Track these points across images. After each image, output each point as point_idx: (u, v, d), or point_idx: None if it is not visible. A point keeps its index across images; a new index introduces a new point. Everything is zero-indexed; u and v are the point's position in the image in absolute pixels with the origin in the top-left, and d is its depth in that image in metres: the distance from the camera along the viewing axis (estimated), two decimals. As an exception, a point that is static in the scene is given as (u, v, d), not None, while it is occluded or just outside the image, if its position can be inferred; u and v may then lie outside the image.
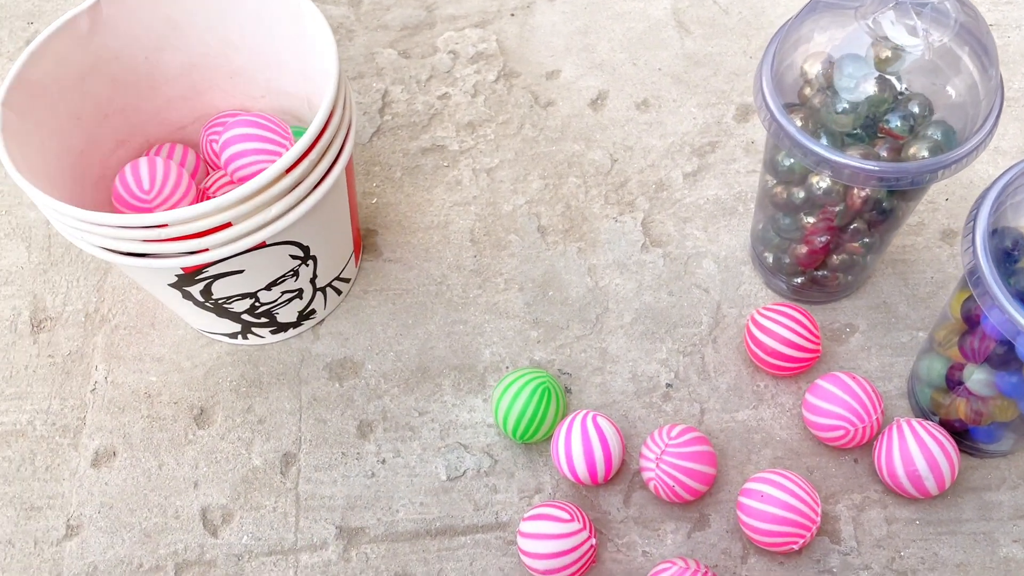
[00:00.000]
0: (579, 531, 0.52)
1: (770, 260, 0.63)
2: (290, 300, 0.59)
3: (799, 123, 0.51)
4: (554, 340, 0.63)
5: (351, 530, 0.57)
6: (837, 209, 0.54)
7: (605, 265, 0.67)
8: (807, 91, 0.52)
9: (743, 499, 0.54)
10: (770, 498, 0.52)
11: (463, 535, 0.57)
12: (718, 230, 0.67)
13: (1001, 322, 0.43)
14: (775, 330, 0.58)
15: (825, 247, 0.58)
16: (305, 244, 0.55)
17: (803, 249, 0.58)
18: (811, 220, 0.56)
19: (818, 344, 0.59)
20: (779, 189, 0.56)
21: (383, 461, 0.59)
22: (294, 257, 0.55)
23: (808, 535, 0.52)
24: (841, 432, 0.55)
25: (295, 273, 0.57)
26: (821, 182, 0.52)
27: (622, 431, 0.59)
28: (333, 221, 0.57)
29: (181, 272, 0.52)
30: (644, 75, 0.76)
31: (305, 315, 0.62)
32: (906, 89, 0.52)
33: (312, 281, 0.59)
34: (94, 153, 0.60)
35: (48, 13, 0.84)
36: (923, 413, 0.58)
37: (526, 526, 0.53)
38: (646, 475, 0.55)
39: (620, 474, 0.58)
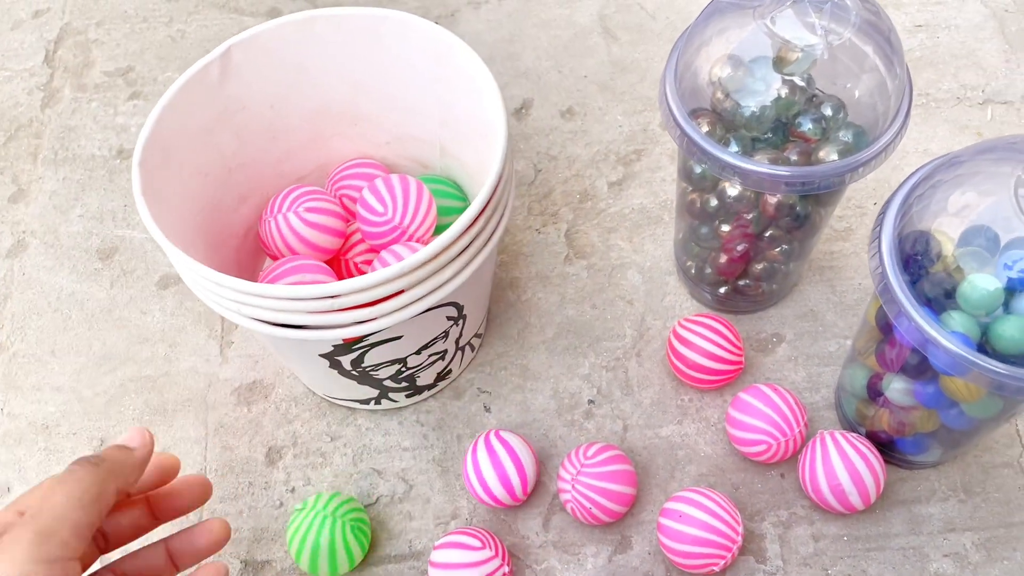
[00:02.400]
0: (491, 559, 0.50)
1: (693, 270, 0.61)
2: (434, 362, 0.55)
3: (707, 129, 0.49)
4: (474, 358, 0.61)
5: (257, 564, 0.54)
6: (751, 216, 0.52)
7: (527, 278, 0.64)
8: (717, 95, 0.50)
9: (662, 520, 0.51)
10: (688, 518, 0.50)
11: (375, 566, 0.54)
12: (643, 240, 0.66)
13: (909, 330, 0.41)
14: (696, 342, 0.56)
15: (744, 255, 0.56)
16: (461, 304, 0.52)
17: (723, 258, 0.57)
18: (727, 228, 0.54)
19: (740, 355, 0.57)
20: (694, 196, 0.54)
21: (292, 490, 0.57)
22: (449, 318, 0.52)
23: (729, 555, 0.50)
24: (763, 447, 0.53)
25: (446, 335, 0.53)
26: (731, 189, 0.51)
27: (542, 451, 0.57)
28: (486, 276, 0.54)
29: (340, 342, 0.48)
30: (569, 83, 0.74)
31: (443, 376, 0.58)
32: (819, 91, 0.50)
33: (456, 341, 0.55)
34: (219, 212, 0.55)
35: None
36: (850, 424, 0.56)
37: (437, 555, 0.50)
38: (563, 497, 0.53)
39: (538, 496, 0.56)
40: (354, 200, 0.58)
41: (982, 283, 0.41)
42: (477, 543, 0.50)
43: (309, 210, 0.54)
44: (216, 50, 0.51)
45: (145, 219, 0.45)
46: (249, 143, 0.56)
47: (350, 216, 0.59)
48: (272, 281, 0.49)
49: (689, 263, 0.61)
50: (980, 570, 0.52)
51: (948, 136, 0.69)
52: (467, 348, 0.58)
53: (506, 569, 0.51)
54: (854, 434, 0.52)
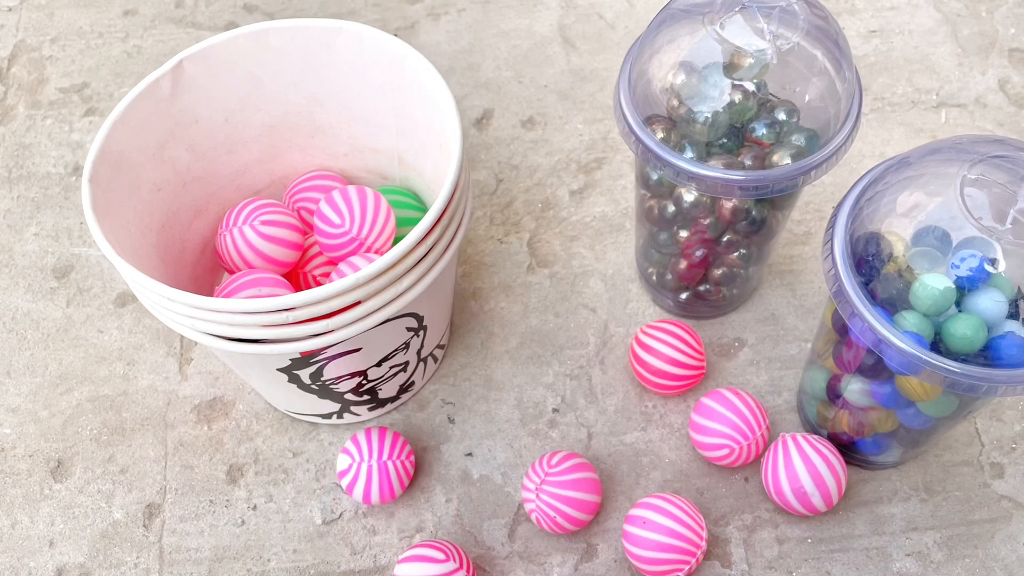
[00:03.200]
0: (455, 571, 0.50)
1: (654, 276, 0.61)
2: (396, 374, 0.55)
3: (661, 135, 0.49)
4: (438, 369, 0.60)
5: (218, 583, 0.53)
6: (708, 221, 0.52)
7: (490, 288, 0.64)
8: (672, 102, 0.51)
9: (627, 527, 0.51)
10: (652, 524, 0.50)
11: (339, 581, 0.53)
12: (605, 248, 0.66)
13: (863, 331, 0.42)
14: (658, 348, 0.56)
15: (703, 261, 0.56)
16: (421, 314, 0.51)
17: (682, 264, 0.57)
18: (685, 234, 0.54)
19: (702, 360, 0.57)
20: (652, 203, 0.54)
21: (254, 507, 0.56)
22: (409, 329, 0.51)
23: (693, 561, 0.50)
24: (726, 451, 0.53)
25: (407, 346, 0.52)
26: (687, 195, 0.51)
27: (507, 461, 0.57)
28: (446, 286, 0.53)
29: (298, 356, 0.47)
30: (530, 92, 0.74)
31: (406, 388, 0.57)
32: (771, 95, 0.50)
33: (418, 352, 0.55)
34: (174, 226, 0.54)
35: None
36: (811, 427, 0.56)
37: (401, 569, 0.50)
38: (528, 507, 0.52)
39: (503, 506, 0.55)
40: (312, 212, 0.58)
41: (933, 283, 0.41)
42: (441, 555, 0.50)
43: (265, 223, 0.53)
44: (167, 63, 0.51)
45: (96, 236, 0.45)
46: (204, 157, 0.55)
47: (308, 229, 0.58)
48: (228, 295, 0.49)
49: (650, 270, 0.61)
50: (943, 568, 0.52)
51: (903, 140, 0.70)
52: (430, 359, 0.57)
53: None
54: (816, 436, 0.53)
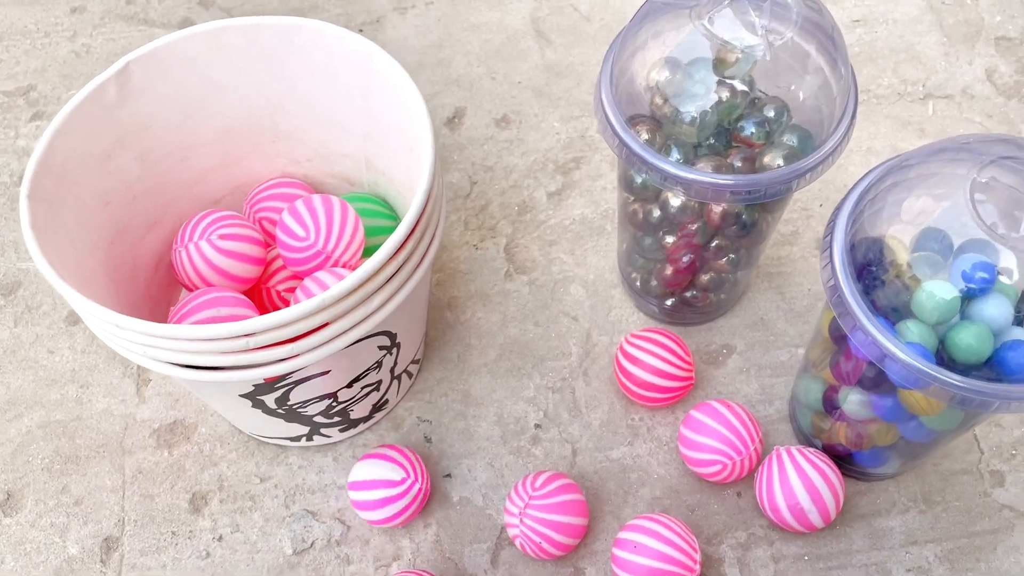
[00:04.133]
0: (436, 604, 0.47)
1: (638, 282, 0.58)
2: (368, 394, 0.51)
3: (646, 136, 0.46)
4: (413, 385, 0.57)
5: (183, 622, 0.50)
6: (696, 226, 0.49)
7: (466, 297, 0.61)
8: (656, 101, 0.48)
9: (616, 551, 0.49)
10: (643, 548, 0.47)
11: (312, 616, 0.50)
12: (585, 252, 0.63)
13: (865, 344, 0.39)
14: (644, 359, 0.53)
15: (690, 266, 0.53)
16: (394, 332, 0.48)
17: (668, 269, 0.54)
18: (671, 239, 0.51)
19: (691, 370, 0.54)
20: (636, 207, 0.51)
21: (219, 538, 0.52)
22: (381, 348, 0.48)
23: (688, 585, 0.47)
24: (718, 467, 0.51)
25: (379, 365, 0.49)
26: (674, 199, 0.48)
27: (488, 482, 0.54)
28: (420, 300, 0.50)
29: (261, 381, 0.44)
30: (503, 89, 0.71)
31: (379, 407, 0.54)
32: (761, 93, 0.48)
33: (391, 370, 0.51)
34: (124, 242, 0.50)
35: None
36: (805, 438, 0.54)
37: (377, 603, 0.47)
38: (511, 532, 0.50)
39: (484, 531, 0.52)
40: (274, 223, 0.54)
41: (939, 292, 0.38)
42: (420, 588, 0.47)
43: (223, 237, 0.49)
44: (113, 67, 0.47)
45: (36, 257, 0.41)
46: (156, 166, 0.51)
47: (270, 240, 0.55)
48: (185, 316, 0.45)
49: (634, 275, 0.58)
50: (945, 584, 0.50)
51: (891, 133, 0.68)
52: (404, 376, 0.54)
53: None
54: (811, 449, 0.50)
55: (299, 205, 0.50)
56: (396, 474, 0.49)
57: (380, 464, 0.50)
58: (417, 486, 0.50)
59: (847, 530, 0.52)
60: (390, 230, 0.53)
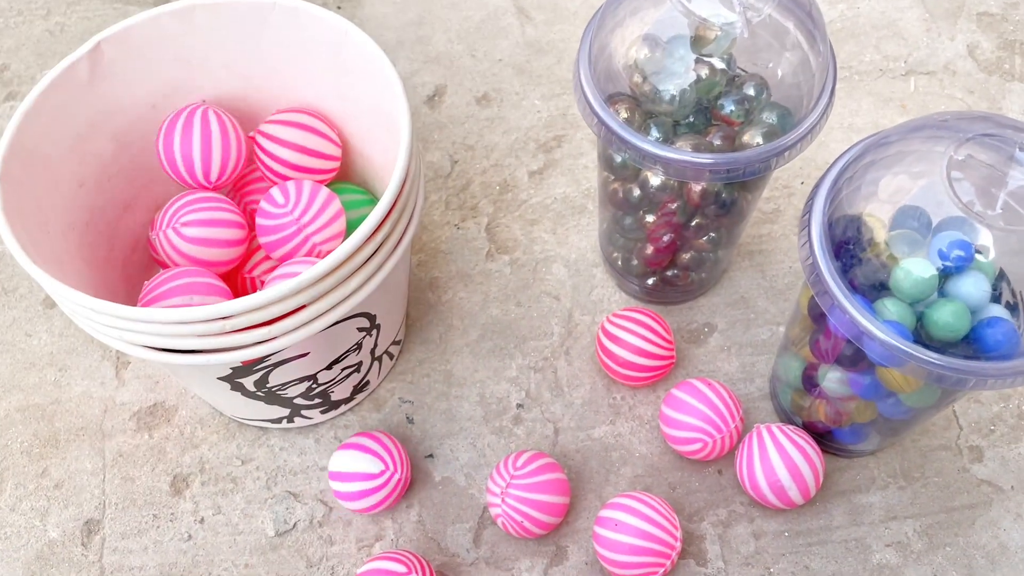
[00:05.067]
0: (418, 584, 0.47)
1: (619, 262, 0.58)
2: (348, 375, 0.51)
3: (625, 115, 0.46)
4: (394, 366, 0.57)
5: (165, 604, 0.50)
6: (675, 205, 0.49)
7: (447, 278, 0.61)
8: (635, 79, 0.47)
9: (598, 529, 0.49)
10: (624, 526, 0.47)
11: (295, 597, 0.50)
12: (567, 231, 0.62)
13: (843, 322, 0.39)
14: (625, 338, 0.53)
15: (671, 245, 0.53)
16: (373, 313, 0.47)
17: (649, 248, 0.54)
18: (651, 218, 0.51)
19: (672, 349, 0.54)
20: (616, 186, 0.51)
21: (201, 520, 0.52)
22: (360, 329, 0.47)
23: (668, 562, 0.48)
24: (699, 444, 0.51)
25: (359, 346, 0.49)
26: (654, 178, 0.48)
27: (470, 462, 0.54)
28: (399, 281, 0.50)
29: (239, 364, 0.43)
30: (484, 67, 0.71)
31: (360, 388, 0.54)
32: (740, 70, 0.47)
33: (372, 351, 0.51)
34: (99, 225, 0.50)
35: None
36: (786, 415, 0.54)
37: (359, 583, 0.47)
38: (493, 511, 0.50)
39: (467, 510, 0.52)
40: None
41: (917, 270, 0.39)
42: (403, 568, 0.47)
43: (200, 223, 0.48)
44: (83, 47, 0.46)
45: (8, 242, 0.41)
46: (130, 147, 0.51)
47: (250, 226, 0.54)
48: (155, 300, 0.45)
49: (615, 254, 0.58)
50: (923, 558, 0.50)
51: (872, 109, 0.68)
52: (384, 357, 0.54)
53: None
54: (791, 426, 0.50)
55: (289, 183, 0.49)
56: (375, 466, 0.49)
57: (358, 456, 0.49)
58: (396, 477, 0.50)
59: (827, 506, 0.52)
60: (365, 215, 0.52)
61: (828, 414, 0.50)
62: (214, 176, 0.50)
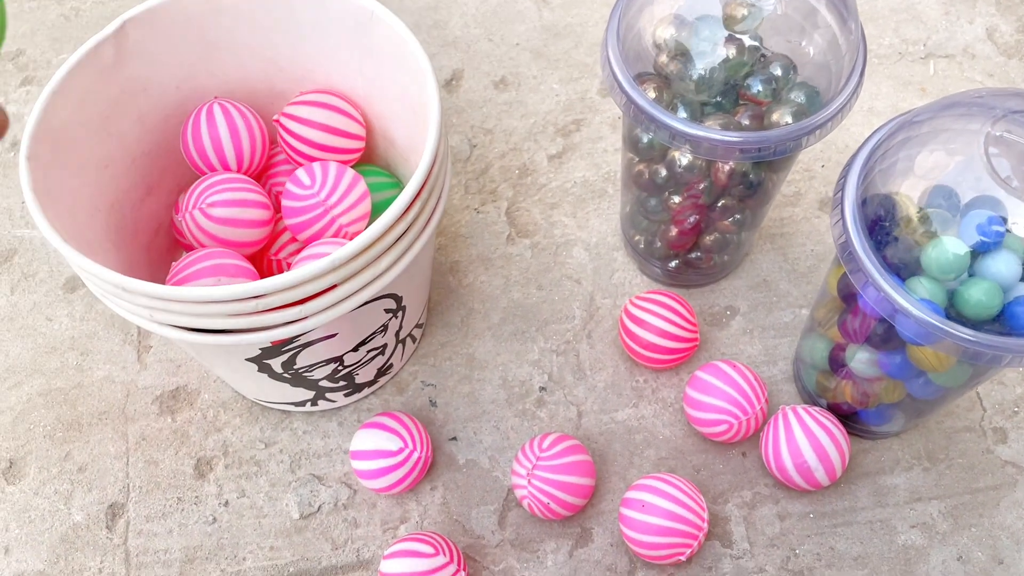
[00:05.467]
0: (445, 565, 0.47)
1: (642, 244, 0.58)
2: (373, 358, 0.51)
3: (653, 95, 0.46)
4: (417, 349, 0.57)
5: (191, 586, 0.50)
6: (702, 186, 0.49)
7: (468, 261, 0.61)
8: (662, 59, 0.47)
9: (624, 510, 0.49)
10: (652, 507, 0.47)
11: (321, 579, 0.50)
12: (587, 215, 0.62)
13: (877, 300, 0.39)
14: (649, 320, 0.53)
15: (695, 227, 0.53)
16: (400, 294, 0.47)
17: (673, 231, 0.54)
18: (677, 200, 0.51)
19: (695, 332, 0.54)
20: (641, 167, 0.51)
21: (226, 503, 0.52)
22: (387, 311, 0.47)
23: (695, 543, 0.48)
24: (724, 427, 0.51)
25: (385, 328, 0.49)
26: (682, 158, 0.48)
27: (494, 444, 0.54)
28: (425, 263, 0.50)
29: (268, 344, 0.43)
30: (501, 51, 0.70)
31: (383, 371, 0.54)
32: (767, 50, 0.47)
33: (397, 333, 0.51)
34: (124, 205, 0.49)
35: None
36: (810, 397, 0.54)
37: (387, 565, 0.47)
38: (519, 493, 0.50)
39: (492, 493, 0.52)
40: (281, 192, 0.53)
41: (952, 247, 0.38)
42: (430, 549, 0.47)
43: (225, 203, 0.48)
44: (108, 27, 0.46)
45: (38, 220, 0.40)
46: (154, 129, 0.50)
47: (276, 208, 0.54)
48: (183, 281, 0.45)
49: (637, 237, 0.58)
50: (948, 539, 0.50)
51: (892, 93, 0.67)
52: (408, 340, 0.54)
53: (462, 575, 0.47)
54: (816, 408, 0.50)
55: (315, 164, 0.49)
56: (393, 444, 0.49)
57: (376, 434, 0.50)
58: (416, 455, 0.50)
59: (852, 488, 0.52)
60: (391, 198, 0.52)
61: (855, 395, 0.50)
62: (244, 166, 0.50)
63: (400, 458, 0.49)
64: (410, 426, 0.50)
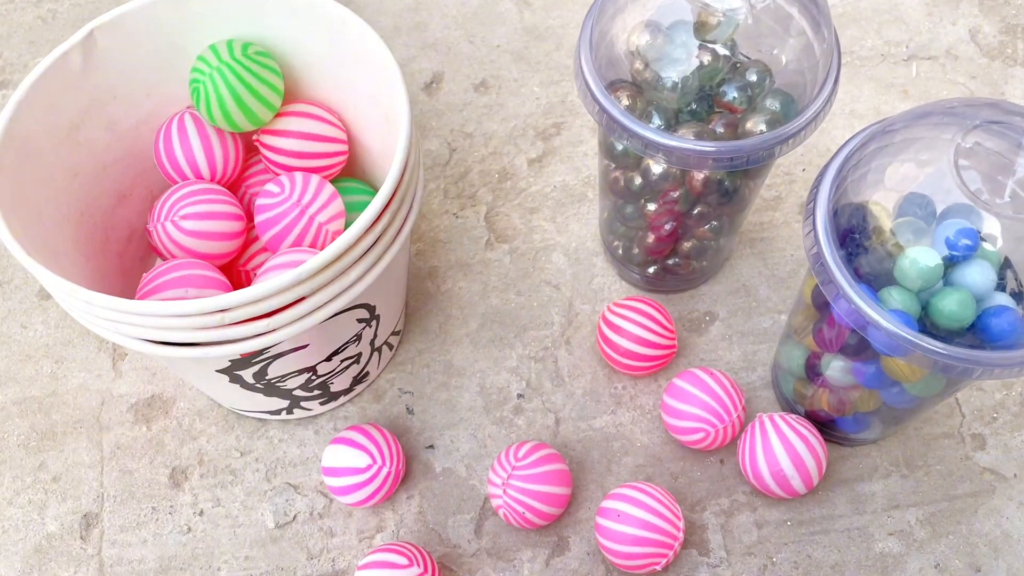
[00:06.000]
0: (419, 576, 0.46)
1: (620, 250, 0.57)
2: (348, 367, 0.51)
3: (627, 103, 0.46)
4: (393, 356, 0.57)
5: (165, 597, 0.50)
6: (677, 194, 0.49)
7: (446, 267, 0.60)
8: (637, 65, 0.47)
9: (600, 520, 0.48)
10: (627, 517, 0.47)
11: (296, 589, 0.50)
12: (567, 220, 0.62)
13: (848, 312, 0.39)
14: (626, 328, 0.53)
15: (672, 234, 0.53)
16: (372, 304, 0.47)
17: (650, 237, 0.53)
18: (653, 207, 0.51)
19: (673, 338, 0.54)
20: (617, 174, 0.51)
21: (200, 513, 0.52)
22: (360, 320, 0.47)
23: (671, 553, 0.47)
24: (701, 435, 0.50)
25: (358, 337, 0.48)
26: (656, 166, 0.47)
27: (471, 452, 0.54)
28: (399, 271, 0.49)
29: (238, 357, 0.43)
30: (482, 53, 0.70)
31: (359, 379, 0.53)
32: (743, 56, 0.47)
33: (371, 342, 0.51)
34: (95, 213, 0.49)
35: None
36: (788, 404, 0.54)
37: None
38: (495, 502, 0.49)
39: (468, 501, 0.52)
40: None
41: (923, 259, 0.38)
42: (404, 560, 0.47)
43: (196, 216, 0.48)
44: (76, 35, 0.46)
45: (2, 233, 0.40)
46: (125, 136, 0.50)
47: (250, 216, 0.53)
48: (153, 292, 0.44)
49: (616, 243, 0.57)
50: (926, 547, 0.50)
51: (874, 95, 0.67)
52: (384, 348, 0.54)
53: None
54: (794, 415, 0.50)
55: (282, 176, 0.49)
56: (361, 460, 0.49)
57: (344, 450, 0.49)
58: (385, 470, 0.49)
59: (829, 495, 0.52)
60: (366, 204, 0.52)
61: (831, 403, 0.49)
62: (218, 177, 0.50)
63: (369, 474, 0.49)
64: (379, 440, 0.50)
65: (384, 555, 0.47)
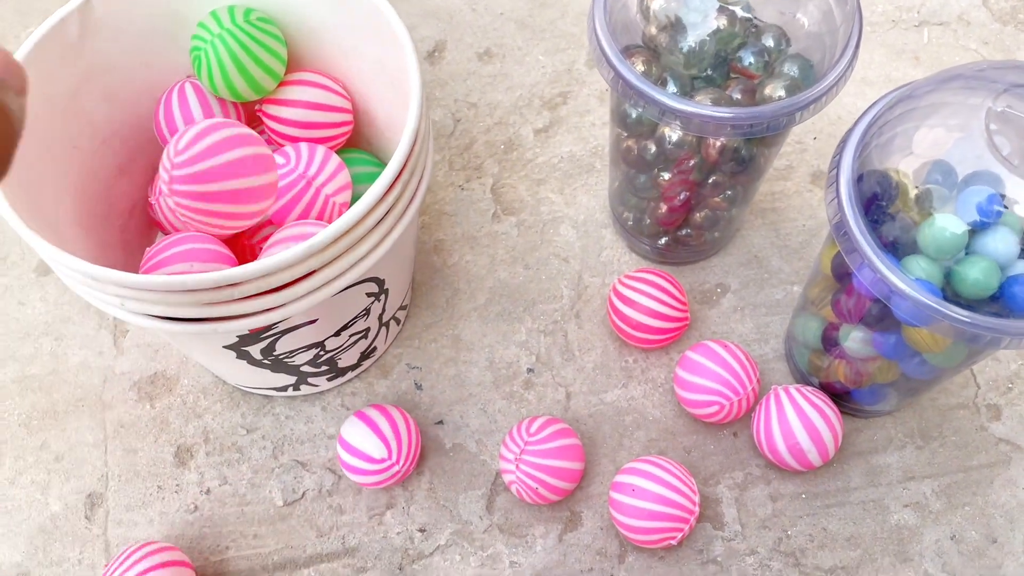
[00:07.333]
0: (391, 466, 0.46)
1: (630, 221, 0.56)
2: (356, 342, 0.49)
3: (642, 68, 0.44)
4: (401, 331, 0.56)
5: (173, 577, 0.49)
6: (692, 162, 0.48)
7: (453, 240, 0.59)
8: (651, 30, 0.46)
9: (614, 494, 0.48)
10: (642, 491, 0.47)
11: (306, 567, 0.49)
12: (575, 191, 0.61)
13: (873, 281, 0.38)
14: (638, 300, 0.52)
15: (685, 204, 0.52)
16: (382, 278, 0.46)
17: (662, 208, 0.52)
18: (667, 176, 0.49)
19: (685, 311, 0.53)
20: (630, 143, 0.50)
21: (207, 491, 0.51)
22: (369, 295, 0.46)
23: (687, 527, 0.47)
24: (715, 408, 0.50)
25: (367, 312, 0.47)
26: (671, 134, 0.46)
27: (481, 428, 0.53)
28: (408, 245, 0.48)
29: (246, 332, 0.42)
30: (485, 21, 0.68)
31: (367, 354, 0.52)
32: (759, 20, 0.46)
33: (380, 317, 0.49)
34: (95, 187, 0.47)
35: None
36: (802, 376, 0.53)
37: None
38: (507, 478, 0.49)
39: (479, 478, 0.51)
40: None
41: (949, 226, 0.37)
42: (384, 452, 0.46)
43: None
44: (72, 1, 0.44)
45: (4, 212, 0.39)
46: (124, 107, 0.48)
47: None
48: (158, 266, 0.43)
49: (626, 214, 0.56)
50: (942, 518, 0.50)
51: (885, 62, 0.66)
52: (392, 323, 0.53)
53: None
54: (809, 387, 0.49)
55: (286, 147, 0.48)
56: (379, 452, 0.48)
57: (366, 433, 0.48)
58: (396, 468, 0.48)
59: (844, 467, 0.51)
60: (375, 176, 0.50)
61: (848, 375, 0.49)
62: None
63: (381, 466, 0.48)
64: (402, 434, 0.48)
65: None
